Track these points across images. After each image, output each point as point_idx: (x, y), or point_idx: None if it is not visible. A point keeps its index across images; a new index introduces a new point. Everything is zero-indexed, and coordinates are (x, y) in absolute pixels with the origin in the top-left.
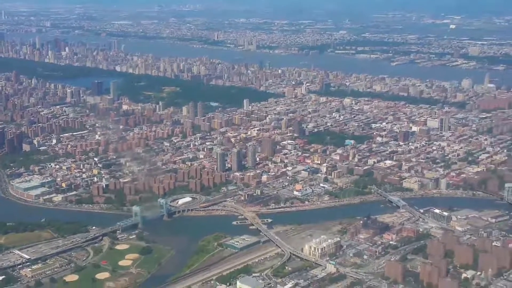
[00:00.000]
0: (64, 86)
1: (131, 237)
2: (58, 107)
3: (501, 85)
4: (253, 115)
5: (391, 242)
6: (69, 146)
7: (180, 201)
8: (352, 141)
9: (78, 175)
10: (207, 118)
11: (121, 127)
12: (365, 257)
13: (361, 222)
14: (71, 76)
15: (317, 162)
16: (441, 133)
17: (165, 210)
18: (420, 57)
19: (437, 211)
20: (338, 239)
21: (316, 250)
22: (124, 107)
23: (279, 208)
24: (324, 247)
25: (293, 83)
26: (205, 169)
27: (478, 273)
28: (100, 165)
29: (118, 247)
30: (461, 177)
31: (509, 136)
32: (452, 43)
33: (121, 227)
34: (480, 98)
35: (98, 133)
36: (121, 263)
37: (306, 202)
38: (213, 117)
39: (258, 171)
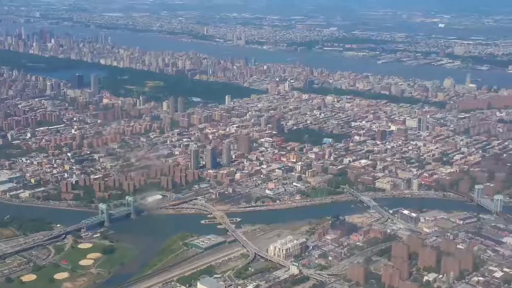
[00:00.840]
0: (45, 79)
1: (95, 235)
2: (37, 99)
3: (483, 85)
4: (233, 112)
5: (357, 243)
6: (43, 140)
7: (149, 199)
8: (330, 140)
9: (48, 170)
10: (186, 114)
11: (98, 121)
12: (330, 258)
13: (330, 222)
14: (55, 68)
15: (292, 160)
16: (419, 132)
17: (132, 208)
18: (406, 56)
19: (405, 212)
20: (304, 239)
21: (281, 251)
22: (105, 101)
23: (250, 207)
24: (289, 248)
25: (277, 79)
26: (179, 166)
27: (440, 276)
28: (72, 161)
29: (81, 246)
30: (433, 177)
31: (485, 137)
32: (438, 42)
33: (86, 225)
34: (460, 98)
35: (75, 127)
36: (81, 262)
37: (277, 201)
38: (192, 113)
39: (232, 169)
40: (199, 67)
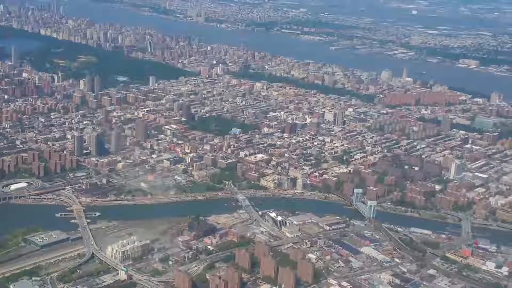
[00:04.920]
0: None
1: None
2: None
3: (429, 78)
4: (151, 94)
5: (208, 247)
6: None
7: (13, 187)
8: (238, 130)
9: None
10: (99, 94)
11: (5, 97)
12: (170, 263)
13: (188, 222)
14: None
15: (187, 151)
16: (333, 127)
17: None
18: (362, 43)
19: (272, 214)
20: (147, 241)
21: (118, 253)
22: (25, 75)
23: (116, 200)
24: (127, 250)
25: (214, 62)
26: (63, 152)
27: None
28: None
29: None
30: (322, 177)
31: (396, 135)
32: (399, 30)
33: None
34: (392, 92)
35: None
36: None
37: (149, 196)
38: (107, 94)
39: (115, 158)
40: (140, 44)
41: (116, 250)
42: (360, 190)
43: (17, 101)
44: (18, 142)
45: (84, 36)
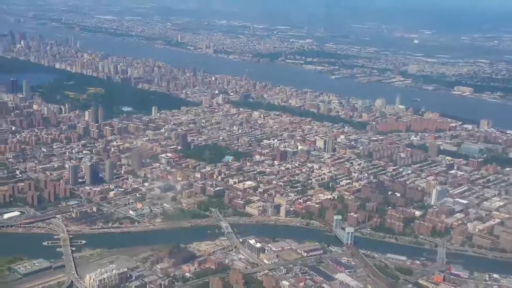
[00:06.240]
0: None
1: None
2: None
3: (422, 106)
4: (151, 124)
5: (186, 274)
6: None
7: (6, 215)
8: (230, 158)
9: None
10: (102, 125)
11: (13, 128)
12: None
13: (169, 250)
14: (5, 71)
15: (178, 179)
16: (323, 154)
17: None
18: (362, 72)
19: (252, 241)
20: (125, 269)
21: (95, 281)
22: (35, 107)
23: (103, 228)
24: (104, 278)
25: (216, 92)
26: (54, 181)
27: None
28: None
29: None
30: (305, 204)
31: (384, 162)
32: (399, 59)
33: None
34: (384, 119)
35: None
36: None
37: (136, 223)
38: (110, 124)
39: (107, 186)
40: (149, 75)
41: (94, 279)
42: (340, 217)
43: (23, 132)
44: (18, 172)
45: (96, 69)
